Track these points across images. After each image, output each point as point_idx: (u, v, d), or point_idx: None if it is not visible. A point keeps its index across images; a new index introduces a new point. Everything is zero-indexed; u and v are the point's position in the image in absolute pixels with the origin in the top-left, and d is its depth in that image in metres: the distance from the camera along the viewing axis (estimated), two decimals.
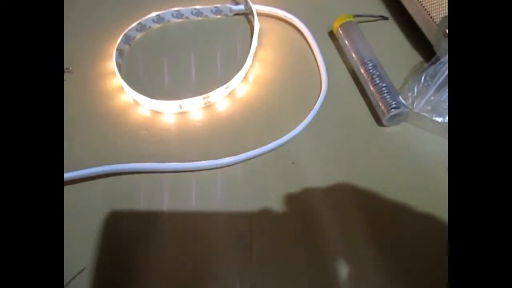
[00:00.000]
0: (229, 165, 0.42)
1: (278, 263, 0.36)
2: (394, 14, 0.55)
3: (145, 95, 0.45)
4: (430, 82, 0.43)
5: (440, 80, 0.43)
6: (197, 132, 0.45)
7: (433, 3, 0.47)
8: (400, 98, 0.43)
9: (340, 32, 0.51)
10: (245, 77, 0.49)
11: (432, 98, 0.43)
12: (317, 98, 0.46)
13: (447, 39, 0.43)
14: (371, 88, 0.45)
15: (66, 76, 0.49)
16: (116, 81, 0.48)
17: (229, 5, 0.55)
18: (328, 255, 0.36)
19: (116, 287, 0.35)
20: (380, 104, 0.43)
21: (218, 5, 0.55)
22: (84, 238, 0.37)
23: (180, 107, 0.46)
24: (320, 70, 0.49)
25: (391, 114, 0.42)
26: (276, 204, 0.39)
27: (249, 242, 0.37)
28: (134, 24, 0.52)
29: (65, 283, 0.35)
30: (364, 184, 0.40)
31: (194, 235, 0.38)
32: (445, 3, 0.45)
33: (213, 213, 0.39)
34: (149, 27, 0.55)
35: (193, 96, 0.45)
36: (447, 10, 0.45)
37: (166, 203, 0.40)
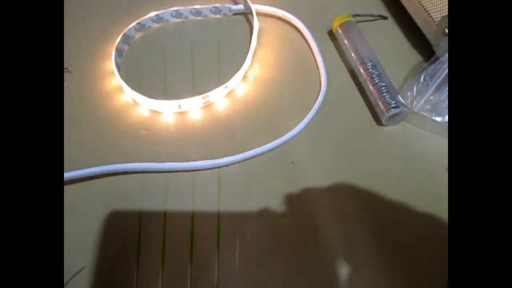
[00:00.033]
0: (228, 165, 0.42)
1: (278, 263, 0.36)
2: (393, 14, 0.55)
3: (144, 94, 0.45)
4: (429, 82, 0.43)
5: (440, 80, 0.43)
6: (197, 131, 0.45)
7: (432, 3, 0.47)
8: (400, 97, 0.43)
9: (340, 31, 0.51)
10: (245, 77, 0.49)
11: (432, 97, 0.43)
12: (317, 98, 0.46)
13: (446, 38, 0.43)
14: (371, 87, 0.45)
15: (65, 76, 0.48)
16: (115, 81, 0.48)
17: (228, 5, 0.55)
18: (327, 255, 0.36)
19: (115, 287, 0.35)
20: (380, 103, 0.43)
21: (218, 5, 0.55)
22: (83, 237, 0.37)
23: (179, 107, 0.45)
24: (320, 70, 0.49)
25: (391, 113, 0.42)
26: (276, 204, 0.39)
27: (248, 242, 0.37)
28: (133, 24, 0.52)
29: (64, 282, 0.35)
30: (364, 184, 0.40)
31: (193, 235, 0.38)
32: (444, 2, 0.45)
33: (212, 213, 0.39)
34: (148, 27, 0.54)
35: (193, 95, 0.45)
36: (446, 10, 0.45)
37: (165, 203, 0.40)
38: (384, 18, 0.54)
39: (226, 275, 0.35)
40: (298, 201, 0.39)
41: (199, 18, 0.56)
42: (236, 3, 0.56)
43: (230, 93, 0.48)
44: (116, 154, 0.42)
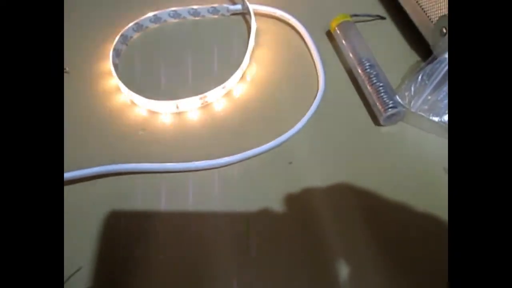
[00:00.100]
0: (226, 165, 0.42)
1: (277, 263, 0.36)
2: (391, 14, 0.55)
3: (142, 95, 0.45)
4: (427, 82, 0.43)
5: (437, 80, 0.43)
6: (195, 132, 0.45)
7: (430, 3, 0.47)
8: (397, 97, 0.43)
9: (338, 31, 0.51)
10: (242, 77, 0.49)
11: (429, 97, 0.43)
12: (314, 98, 0.46)
13: (444, 38, 0.43)
14: (368, 87, 0.45)
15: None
16: (113, 81, 0.48)
17: (226, 5, 0.55)
18: (326, 255, 0.36)
19: (115, 287, 0.35)
20: (377, 103, 0.44)
21: (215, 5, 0.55)
22: (82, 237, 0.37)
23: (177, 107, 0.45)
24: (317, 70, 0.49)
25: (388, 113, 0.42)
26: (274, 204, 0.39)
27: (247, 242, 0.37)
28: (131, 24, 0.52)
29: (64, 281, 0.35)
30: (362, 184, 0.40)
31: (192, 235, 0.38)
32: (442, 2, 0.45)
33: (211, 213, 0.39)
34: (146, 27, 0.54)
35: (190, 96, 0.45)
36: (444, 10, 0.45)
37: (163, 203, 0.40)
38: (382, 18, 0.55)
39: (226, 275, 0.35)
40: (297, 201, 0.39)
41: (197, 18, 0.56)
42: (234, 3, 0.56)
43: (228, 93, 0.48)
44: (114, 154, 0.42)
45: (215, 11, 0.55)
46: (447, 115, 0.42)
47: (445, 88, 0.42)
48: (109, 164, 0.40)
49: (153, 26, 0.55)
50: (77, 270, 0.35)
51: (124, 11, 0.55)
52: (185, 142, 0.44)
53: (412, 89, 0.44)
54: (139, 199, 0.40)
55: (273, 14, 0.55)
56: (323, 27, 0.54)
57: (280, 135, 0.43)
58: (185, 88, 0.47)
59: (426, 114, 0.42)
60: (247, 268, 0.36)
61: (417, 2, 0.49)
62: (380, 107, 0.43)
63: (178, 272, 0.36)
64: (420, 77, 0.44)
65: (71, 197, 0.39)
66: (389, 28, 0.54)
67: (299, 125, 0.44)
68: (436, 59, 0.44)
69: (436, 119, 0.42)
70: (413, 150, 0.43)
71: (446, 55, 0.43)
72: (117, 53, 0.51)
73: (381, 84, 0.44)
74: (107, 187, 0.40)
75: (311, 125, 0.45)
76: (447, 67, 0.42)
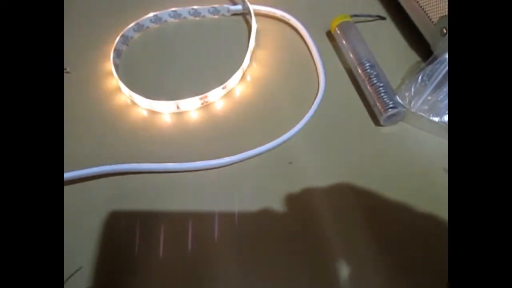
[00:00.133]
0: (227, 165, 0.42)
1: (277, 263, 0.36)
2: (391, 14, 0.55)
3: (142, 95, 0.45)
4: (427, 82, 0.43)
5: (437, 80, 0.43)
6: (195, 132, 0.45)
7: (430, 3, 0.47)
8: (397, 98, 0.43)
9: (338, 32, 0.51)
10: (243, 77, 0.49)
11: (429, 97, 0.43)
12: (315, 98, 0.46)
13: (444, 38, 0.43)
14: (369, 88, 0.45)
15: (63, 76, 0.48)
16: (114, 81, 0.48)
17: (226, 5, 0.55)
18: (326, 255, 0.36)
19: (115, 287, 0.35)
20: (377, 104, 0.44)
21: (216, 5, 0.55)
22: (82, 238, 0.37)
23: (178, 107, 0.45)
24: (318, 70, 0.49)
25: (388, 114, 0.42)
26: (274, 204, 0.39)
27: (247, 242, 0.37)
28: (131, 25, 0.52)
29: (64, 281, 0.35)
30: (362, 184, 0.40)
31: (192, 235, 0.38)
32: (443, 2, 0.45)
33: (211, 213, 0.39)
34: (147, 27, 0.54)
35: (191, 96, 0.45)
36: (444, 10, 0.45)
37: (163, 203, 0.39)
38: (382, 18, 0.55)
39: (226, 275, 0.35)
40: (297, 201, 0.39)
41: (197, 18, 0.56)
42: (235, 4, 0.56)
43: (228, 94, 0.48)
44: (114, 154, 0.42)
45: (215, 11, 0.56)
46: (447, 115, 0.42)
47: (445, 89, 0.42)
48: (110, 164, 0.40)
49: (153, 26, 0.55)
50: (77, 270, 0.35)
51: (124, 12, 0.55)
52: (186, 142, 0.44)
53: (412, 89, 0.44)
54: (139, 199, 0.40)
55: (274, 14, 0.55)
56: (323, 27, 0.54)
57: (280, 135, 0.43)
58: (185, 88, 0.47)
59: (426, 114, 0.42)
60: (247, 268, 0.36)
61: (417, 2, 0.49)
62: (380, 107, 0.43)
63: (178, 272, 0.36)
64: (420, 77, 0.44)
65: (71, 197, 0.39)
66: (389, 28, 0.54)
67: (299, 125, 0.44)
68: (436, 59, 0.44)
69: (436, 119, 0.42)
70: (413, 150, 0.43)
71: (447, 56, 0.43)
72: (117, 53, 0.51)
73: (381, 84, 0.44)
74: (107, 187, 0.40)
75: (311, 125, 0.45)
76: (447, 68, 0.42)
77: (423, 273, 0.35)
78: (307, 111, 0.45)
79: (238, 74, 0.48)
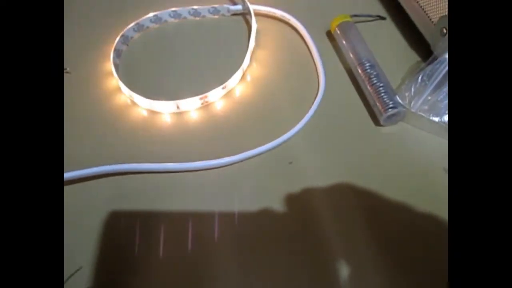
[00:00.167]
0: (227, 165, 0.42)
1: (277, 263, 0.36)
2: (391, 14, 0.55)
3: (142, 95, 0.45)
4: (427, 82, 0.43)
5: (437, 80, 0.43)
6: (195, 132, 0.45)
7: (430, 3, 0.47)
8: (397, 98, 0.43)
9: (338, 32, 0.51)
10: (243, 77, 0.49)
11: (429, 97, 0.43)
12: (315, 98, 0.46)
13: (444, 38, 0.43)
14: (369, 88, 0.45)
15: (63, 76, 0.48)
16: (114, 81, 0.48)
17: (226, 5, 0.55)
18: (326, 255, 0.36)
19: (115, 286, 0.35)
20: (377, 103, 0.44)
21: (216, 5, 0.55)
22: (82, 238, 0.37)
23: (178, 107, 0.45)
24: (318, 70, 0.49)
25: (388, 114, 0.42)
26: (274, 204, 0.39)
27: (247, 242, 0.37)
28: (131, 24, 0.52)
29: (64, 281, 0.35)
30: (362, 184, 0.40)
31: (192, 236, 0.38)
32: (443, 2, 0.45)
33: (211, 213, 0.39)
34: (147, 27, 0.55)
35: (191, 96, 0.45)
36: (444, 10, 0.45)
37: (163, 203, 0.39)
38: (382, 18, 0.55)
39: (226, 275, 0.35)
40: (297, 201, 0.39)
41: (197, 18, 0.56)
42: (234, 4, 0.56)
43: (228, 94, 0.48)
44: (114, 154, 0.42)
45: (215, 11, 0.56)
46: (447, 115, 0.42)
47: (446, 89, 0.42)
48: (110, 164, 0.40)
49: (153, 26, 0.55)
50: (77, 270, 0.35)
51: (124, 12, 0.55)
52: (186, 142, 0.44)
53: (412, 89, 0.44)
54: (139, 199, 0.40)
55: (274, 14, 0.55)
56: (323, 27, 0.54)
57: (280, 135, 0.43)
58: (185, 88, 0.47)
59: (427, 114, 0.42)
60: (247, 268, 0.36)
61: (417, 2, 0.49)
62: (380, 107, 0.43)
63: (178, 272, 0.36)
64: (420, 77, 0.44)
65: (71, 197, 0.39)
66: (389, 28, 0.54)
67: (299, 125, 0.44)
68: (436, 59, 0.44)
69: (436, 119, 0.42)
70: (413, 150, 0.43)
71: (447, 56, 0.43)
72: (117, 53, 0.51)
73: (381, 84, 0.44)
74: (107, 187, 0.40)
75: (311, 125, 0.45)
76: (447, 68, 0.42)
77: (423, 273, 0.35)
78: (307, 111, 0.45)
79: (238, 74, 0.48)
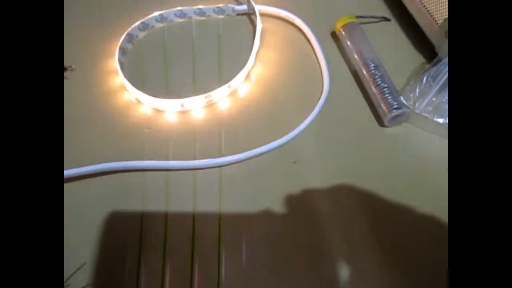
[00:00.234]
0: (230, 164, 0.42)
1: (279, 263, 0.36)
2: (396, 15, 0.55)
3: (147, 93, 0.46)
4: (432, 83, 0.43)
5: (442, 81, 0.43)
6: (199, 130, 0.45)
7: (435, 5, 0.47)
8: (402, 98, 0.43)
9: (343, 33, 0.51)
10: (247, 77, 0.49)
11: (434, 99, 0.43)
12: (319, 98, 0.46)
13: None
14: (373, 88, 0.45)
15: (68, 74, 0.49)
16: (119, 79, 0.48)
17: (231, 5, 0.55)
18: (329, 255, 0.36)
19: (115, 285, 0.35)
20: (382, 104, 0.44)
21: (221, 5, 0.55)
22: (84, 235, 0.37)
23: (182, 105, 0.46)
24: (322, 71, 0.49)
25: (393, 114, 0.42)
26: (278, 204, 0.39)
27: (249, 241, 0.37)
28: (137, 23, 0.52)
29: (65, 279, 0.35)
30: (366, 184, 0.40)
31: (195, 234, 0.38)
32: (447, 4, 0.45)
33: (214, 212, 0.39)
34: (152, 26, 0.55)
35: (195, 95, 0.45)
36: None
37: (166, 201, 0.40)
38: (387, 19, 0.54)
39: (228, 275, 0.36)
40: (300, 201, 0.39)
41: (202, 18, 0.56)
42: (240, 4, 0.56)
43: (232, 93, 0.48)
44: (118, 152, 0.42)
45: (220, 11, 0.56)
46: None
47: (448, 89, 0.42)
48: (113, 161, 0.40)
49: (159, 25, 0.55)
50: (80, 267, 0.36)
51: (130, 11, 0.55)
52: (189, 141, 0.44)
53: (417, 90, 0.44)
54: (142, 197, 0.40)
55: (278, 14, 0.55)
56: (328, 28, 0.54)
57: (284, 134, 0.43)
58: (190, 87, 0.47)
59: (431, 116, 0.42)
60: (248, 268, 0.36)
61: (422, 3, 0.49)
62: (384, 108, 0.43)
63: (179, 272, 0.36)
64: (425, 78, 0.44)
65: (72, 195, 0.39)
66: (394, 29, 0.54)
67: (303, 125, 0.44)
68: (441, 61, 0.44)
69: (440, 120, 0.42)
70: (417, 151, 0.43)
71: None
72: (123, 51, 0.51)
73: (385, 85, 0.44)
74: (109, 185, 0.41)
75: (315, 125, 0.45)
76: None
77: (423, 274, 0.35)
78: (311, 111, 0.45)
79: (242, 74, 0.48)
